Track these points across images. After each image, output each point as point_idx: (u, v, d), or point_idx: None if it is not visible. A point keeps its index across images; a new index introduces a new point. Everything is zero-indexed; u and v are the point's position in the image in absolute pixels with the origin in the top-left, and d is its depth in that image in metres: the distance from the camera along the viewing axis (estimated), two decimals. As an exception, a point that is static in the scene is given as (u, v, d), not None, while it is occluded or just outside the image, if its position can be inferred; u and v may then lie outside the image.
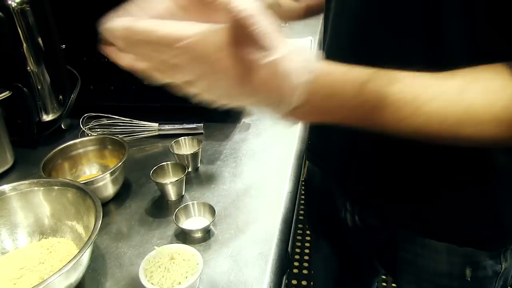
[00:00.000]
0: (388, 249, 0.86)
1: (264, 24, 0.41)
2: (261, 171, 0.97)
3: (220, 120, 1.16)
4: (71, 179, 0.93)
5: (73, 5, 1.12)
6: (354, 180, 0.79)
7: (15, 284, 0.71)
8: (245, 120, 1.18)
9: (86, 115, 1.13)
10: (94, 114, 1.13)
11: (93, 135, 1.04)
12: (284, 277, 0.85)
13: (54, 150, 0.93)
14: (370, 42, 0.66)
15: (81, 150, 0.97)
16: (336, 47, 0.74)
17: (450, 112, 0.47)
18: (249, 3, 0.40)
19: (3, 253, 0.79)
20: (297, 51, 0.44)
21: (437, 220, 0.74)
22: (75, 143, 0.97)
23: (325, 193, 0.96)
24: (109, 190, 0.89)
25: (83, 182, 0.84)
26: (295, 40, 0.92)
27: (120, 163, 0.88)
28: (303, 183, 1.28)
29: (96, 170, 0.98)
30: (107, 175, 0.87)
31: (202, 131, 1.11)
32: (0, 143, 1.01)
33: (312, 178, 1.03)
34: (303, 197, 1.07)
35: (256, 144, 1.07)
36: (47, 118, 1.10)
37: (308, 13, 0.91)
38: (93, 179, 0.85)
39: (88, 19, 1.13)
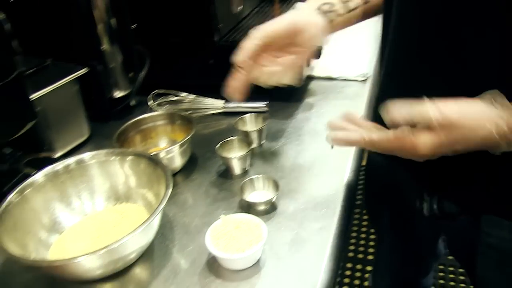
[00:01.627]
0: (466, 234, 0.84)
1: None
2: (323, 150, 0.98)
3: (284, 99, 1.18)
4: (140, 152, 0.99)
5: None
6: (431, 171, 0.76)
7: (94, 243, 0.77)
8: (308, 99, 1.19)
9: (154, 92, 1.18)
10: (162, 91, 1.18)
11: (161, 111, 1.08)
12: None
13: (127, 124, 0.99)
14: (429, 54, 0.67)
15: (151, 124, 1.02)
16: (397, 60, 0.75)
17: None
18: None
19: (84, 215, 0.85)
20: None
21: None
22: (145, 118, 1.02)
23: (391, 186, 0.95)
24: (177, 162, 0.94)
25: (154, 153, 0.88)
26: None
27: (188, 137, 0.92)
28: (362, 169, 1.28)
29: (164, 144, 1.03)
30: (176, 148, 0.91)
31: (266, 110, 1.13)
32: (77, 117, 1.08)
33: (374, 170, 1.02)
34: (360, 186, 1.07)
35: (318, 123, 1.08)
36: (118, 94, 1.16)
37: (364, 16, 0.91)
38: (163, 150, 0.90)
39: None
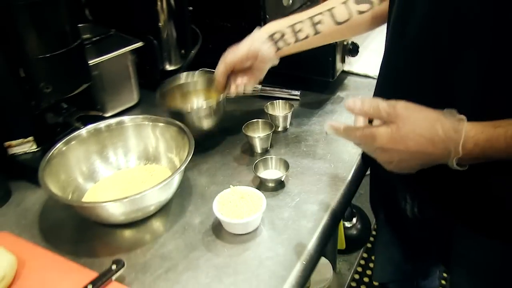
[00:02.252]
0: (444, 240, 0.90)
1: None
2: (340, 141, 1.07)
3: (317, 91, 1.26)
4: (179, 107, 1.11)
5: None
6: (415, 177, 0.82)
7: (122, 193, 0.91)
8: (340, 93, 1.27)
9: (201, 69, 1.30)
10: (208, 69, 1.29)
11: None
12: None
13: (171, 83, 1.13)
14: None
15: (191, 87, 1.16)
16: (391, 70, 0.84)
17: None
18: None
19: (118, 169, 1.00)
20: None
21: (491, 219, 0.75)
22: (187, 80, 1.16)
23: (388, 182, 1.02)
24: (208, 122, 1.05)
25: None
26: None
27: (221, 98, 1.04)
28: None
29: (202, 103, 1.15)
30: (209, 106, 1.04)
31: (298, 98, 1.22)
32: (129, 84, 1.23)
33: (378, 166, 1.09)
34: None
35: (344, 116, 1.16)
36: (169, 67, 1.29)
37: (374, 24, 0.98)
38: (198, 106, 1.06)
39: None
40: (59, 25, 0.91)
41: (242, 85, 1.02)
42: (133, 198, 0.80)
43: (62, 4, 0.90)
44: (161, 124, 0.98)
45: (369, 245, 2.04)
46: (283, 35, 0.97)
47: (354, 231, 1.83)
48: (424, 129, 0.64)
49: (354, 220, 1.84)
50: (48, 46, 0.90)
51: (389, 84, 0.85)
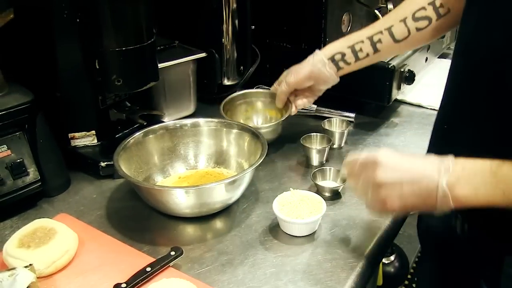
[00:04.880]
0: (493, 263, 0.88)
1: None
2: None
3: (371, 115, 1.27)
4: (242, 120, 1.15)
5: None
6: None
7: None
8: (394, 119, 1.27)
9: (257, 86, 1.33)
10: (265, 87, 1.32)
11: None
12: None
13: (235, 93, 1.18)
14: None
15: (254, 98, 1.20)
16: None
17: None
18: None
19: (188, 168, 1.03)
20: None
21: None
22: (251, 92, 1.21)
23: None
24: (269, 136, 1.07)
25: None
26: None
27: (286, 116, 1.08)
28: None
29: (262, 118, 1.19)
30: (275, 123, 1.09)
31: (353, 120, 1.23)
32: (188, 93, 1.26)
33: None
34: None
35: (397, 140, 1.17)
36: (227, 82, 1.31)
37: (432, 38, 1.00)
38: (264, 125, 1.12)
39: (276, 6, 1.34)
40: (137, 22, 0.95)
41: (303, 105, 1.09)
42: (202, 188, 0.83)
43: (143, 2, 0.94)
44: (235, 130, 1.02)
45: (406, 282, 2.00)
46: (343, 56, 1.00)
47: (391, 269, 1.78)
48: (413, 157, 0.71)
49: (393, 257, 1.80)
50: (125, 40, 0.93)
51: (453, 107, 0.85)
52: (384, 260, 1.80)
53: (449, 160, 0.67)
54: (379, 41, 0.98)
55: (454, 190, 0.65)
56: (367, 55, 0.99)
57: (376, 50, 0.99)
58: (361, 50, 0.99)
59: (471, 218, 0.88)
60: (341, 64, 1.00)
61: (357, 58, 1.00)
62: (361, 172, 0.73)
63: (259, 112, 1.19)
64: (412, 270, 1.97)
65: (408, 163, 0.70)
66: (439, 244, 1.07)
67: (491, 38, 0.71)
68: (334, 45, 1.02)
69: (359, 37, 1.00)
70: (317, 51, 1.03)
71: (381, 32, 0.98)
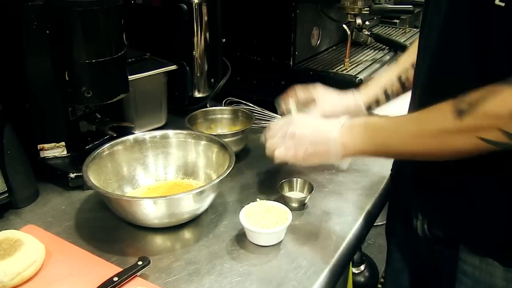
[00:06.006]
0: (451, 261, 0.92)
1: None
2: (368, 166, 1.13)
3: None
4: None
5: (238, 6, 1.36)
6: (426, 195, 0.89)
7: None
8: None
9: (228, 99, 1.35)
10: (235, 99, 1.34)
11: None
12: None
13: (199, 110, 1.20)
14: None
15: (218, 115, 1.23)
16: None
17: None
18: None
19: (156, 180, 1.04)
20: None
21: (496, 242, 0.79)
22: (214, 109, 1.24)
23: (405, 202, 1.05)
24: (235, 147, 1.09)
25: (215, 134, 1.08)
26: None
27: (248, 127, 1.11)
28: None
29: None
30: (235, 134, 1.11)
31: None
32: (159, 105, 1.27)
33: (397, 189, 1.12)
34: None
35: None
36: (197, 94, 1.33)
37: None
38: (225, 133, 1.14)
39: (247, 20, 1.36)
40: (107, 34, 0.96)
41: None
42: (170, 198, 0.85)
43: (114, 15, 0.95)
44: (204, 142, 1.03)
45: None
46: (378, 102, 1.06)
47: (362, 278, 1.81)
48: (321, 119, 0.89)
49: (363, 267, 1.83)
50: (95, 52, 0.94)
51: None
52: (354, 270, 1.83)
53: (344, 118, 0.82)
54: (407, 79, 1.03)
55: (341, 139, 0.81)
56: (397, 94, 1.05)
57: (404, 89, 1.05)
58: (392, 91, 1.05)
59: (430, 218, 0.92)
60: (373, 106, 1.06)
61: (387, 99, 1.06)
62: (278, 131, 0.87)
63: (223, 126, 1.24)
64: (382, 280, 2.00)
65: (315, 122, 0.87)
66: (402, 244, 1.11)
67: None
68: (371, 91, 1.06)
69: (390, 80, 1.06)
70: (357, 96, 1.05)
71: (407, 69, 1.03)
